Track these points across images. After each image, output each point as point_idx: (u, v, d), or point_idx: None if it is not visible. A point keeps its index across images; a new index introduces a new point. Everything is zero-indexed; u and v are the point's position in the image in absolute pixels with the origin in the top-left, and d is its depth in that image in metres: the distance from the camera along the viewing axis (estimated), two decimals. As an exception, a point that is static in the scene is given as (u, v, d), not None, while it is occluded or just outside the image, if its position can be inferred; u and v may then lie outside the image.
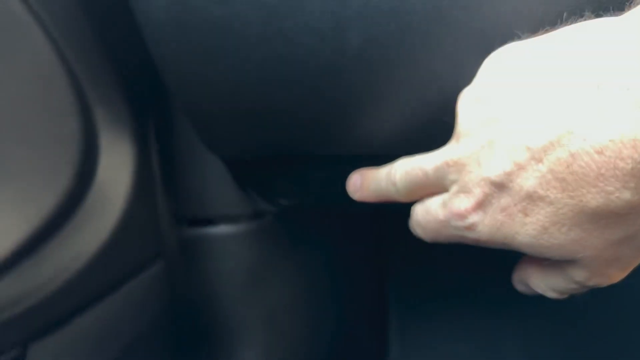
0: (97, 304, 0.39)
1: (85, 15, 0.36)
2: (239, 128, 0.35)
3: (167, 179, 0.45)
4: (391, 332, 0.68)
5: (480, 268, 0.61)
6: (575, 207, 0.23)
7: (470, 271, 0.65)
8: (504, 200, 0.25)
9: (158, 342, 0.46)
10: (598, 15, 0.24)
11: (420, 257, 0.67)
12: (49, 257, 0.35)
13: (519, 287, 0.32)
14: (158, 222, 0.44)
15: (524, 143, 0.24)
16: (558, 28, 0.25)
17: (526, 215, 0.25)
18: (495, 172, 0.25)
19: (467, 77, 0.28)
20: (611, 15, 0.24)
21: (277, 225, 0.49)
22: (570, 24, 0.25)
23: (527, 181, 0.24)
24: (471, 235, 0.27)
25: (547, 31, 0.25)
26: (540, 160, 0.23)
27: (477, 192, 0.26)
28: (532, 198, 0.24)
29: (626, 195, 0.22)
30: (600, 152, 0.21)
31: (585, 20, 0.24)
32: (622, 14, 0.23)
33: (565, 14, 0.26)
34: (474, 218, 0.26)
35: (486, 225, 0.26)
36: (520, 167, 0.24)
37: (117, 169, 0.39)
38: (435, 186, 0.29)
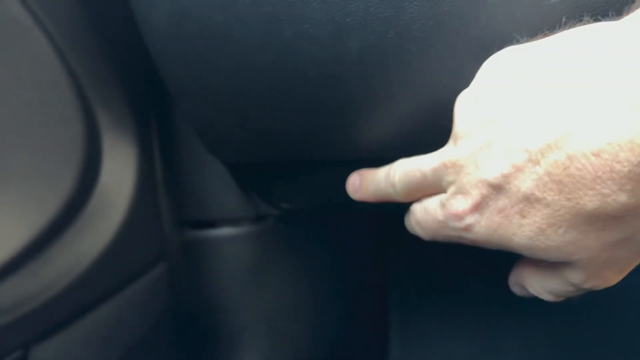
0: (100, 306, 0.39)
1: (88, 21, 0.37)
2: (240, 133, 0.35)
3: (170, 182, 0.46)
4: (392, 333, 0.68)
5: (480, 269, 0.61)
6: (572, 209, 0.23)
7: (470, 272, 0.65)
8: (501, 202, 0.25)
9: (160, 343, 0.46)
10: (597, 20, 0.25)
11: (421, 259, 0.67)
12: (52, 260, 0.35)
13: (515, 289, 0.32)
14: (160, 224, 0.45)
15: (521, 145, 0.24)
16: (557, 33, 0.25)
17: (523, 217, 0.25)
18: (492, 174, 0.25)
19: (464, 84, 0.28)
20: (610, 20, 0.24)
21: (279, 228, 0.49)
22: (569, 28, 0.25)
23: (525, 183, 0.24)
24: (468, 236, 0.27)
25: (545, 35, 0.26)
26: (537, 163, 0.23)
27: (475, 194, 0.26)
28: (529, 200, 0.24)
29: (622, 197, 0.22)
30: (597, 155, 0.22)
31: (584, 24, 0.24)
32: (620, 18, 0.23)
33: (564, 19, 0.26)
34: (471, 219, 0.27)
35: (483, 226, 0.26)
36: (518, 169, 0.24)
37: (120, 172, 0.39)
38: (433, 187, 0.29)
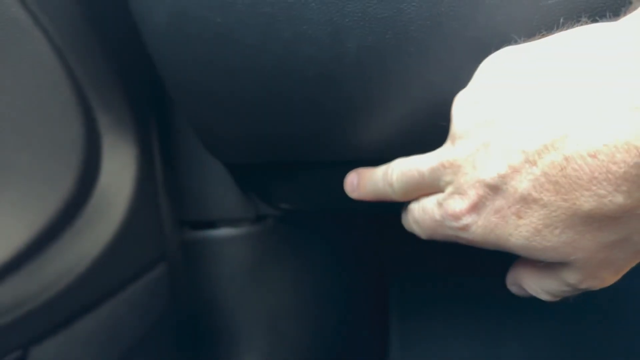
0: (99, 306, 0.39)
1: (87, 21, 0.37)
2: (240, 134, 0.36)
3: (169, 182, 0.46)
4: (392, 334, 0.68)
5: (480, 270, 0.61)
6: (569, 210, 0.23)
7: (470, 273, 0.65)
8: (498, 202, 0.25)
9: (160, 343, 0.46)
10: (594, 21, 0.25)
11: (421, 260, 0.67)
12: (51, 260, 0.35)
13: (513, 289, 0.32)
14: (160, 225, 0.45)
15: (518, 146, 0.24)
16: (555, 33, 0.25)
17: (520, 217, 0.25)
18: (490, 174, 0.25)
19: (462, 84, 0.28)
20: (607, 21, 0.24)
21: (279, 228, 0.49)
22: (567, 29, 0.25)
23: (521, 184, 0.24)
24: (465, 235, 0.27)
25: (543, 36, 0.26)
26: (534, 164, 0.23)
27: (472, 194, 0.26)
28: (525, 201, 0.24)
29: (619, 198, 0.22)
30: (593, 156, 0.22)
31: (582, 25, 0.25)
32: (618, 19, 0.23)
33: (561, 20, 0.26)
34: (468, 219, 0.27)
35: (480, 226, 0.26)
36: (515, 170, 0.24)
37: (119, 173, 0.39)
38: (431, 187, 0.29)
